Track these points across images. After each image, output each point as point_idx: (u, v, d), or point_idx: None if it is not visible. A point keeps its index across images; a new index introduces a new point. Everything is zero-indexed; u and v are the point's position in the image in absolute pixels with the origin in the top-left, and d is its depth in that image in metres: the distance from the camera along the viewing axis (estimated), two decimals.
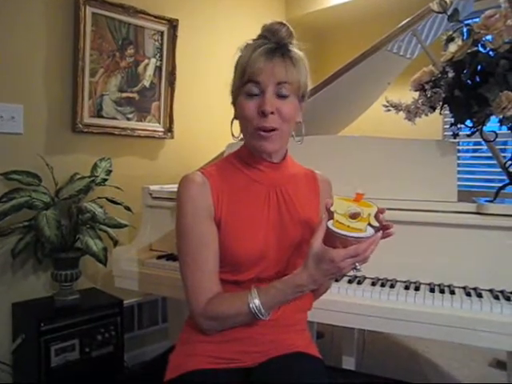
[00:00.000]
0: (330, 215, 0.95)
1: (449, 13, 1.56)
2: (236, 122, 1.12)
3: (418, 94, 1.73)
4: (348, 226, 0.92)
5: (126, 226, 2.14)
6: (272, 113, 1.02)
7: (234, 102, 1.11)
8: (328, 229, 0.94)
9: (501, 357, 2.45)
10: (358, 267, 0.94)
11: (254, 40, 1.07)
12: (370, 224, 0.93)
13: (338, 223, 0.93)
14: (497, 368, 2.45)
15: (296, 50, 1.07)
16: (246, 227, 1.08)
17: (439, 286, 1.38)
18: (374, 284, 1.41)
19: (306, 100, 1.13)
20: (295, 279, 0.98)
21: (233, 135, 1.14)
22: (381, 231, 0.95)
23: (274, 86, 1.03)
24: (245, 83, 1.04)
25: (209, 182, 1.08)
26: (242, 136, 1.13)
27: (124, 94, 2.40)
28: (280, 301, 1.01)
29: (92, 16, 2.20)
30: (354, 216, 0.93)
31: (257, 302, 0.99)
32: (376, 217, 0.94)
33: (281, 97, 1.04)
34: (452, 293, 1.32)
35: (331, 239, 0.94)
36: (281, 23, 1.05)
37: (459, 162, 2.76)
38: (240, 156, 1.15)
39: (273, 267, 1.08)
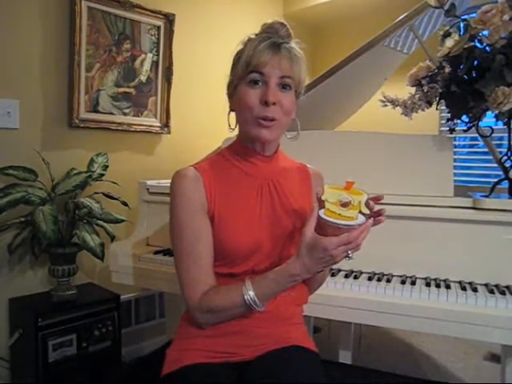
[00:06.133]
0: (321, 204, 0.95)
1: (446, 8, 1.56)
2: (232, 115, 1.13)
3: (414, 89, 1.74)
4: (339, 215, 0.92)
5: (122, 221, 2.14)
6: (274, 104, 1.03)
7: (231, 94, 1.12)
8: (319, 218, 0.94)
9: (495, 350, 2.47)
10: (351, 255, 0.95)
11: (256, 35, 1.08)
12: (360, 212, 0.94)
13: (330, 212, 0.93)
14: (491, 361, 2.47)
15: (298, 48, 1.08)
16: (239, 220, 1.08)
17: (435, 280, 1.39)
18: (370, 279, 1.41)
19: (301, 98, 1.14)
20: (289, 269, 0.98)
21: (229, 126, 1.14)
22: (372, 218, 0.96)
23: (278, 79, 1.04)
24: (248, 73, 1.05)
25: (201, 177, 1.09)
26: (237, 129, 1.13)
27: (120, 89, 2.39)
28: (274, 291, 1.02)
29: (88, 10, 2.19)
30: (345, 204, 0.93)
31: (251, 293, 0.99)
32: (366, 204, 0.95)
33: (283, 89, 1.05)
34: (448, 287, 1.33)
35: (323, 228, 0.95)
36: (281, 23, 1.07)
37: (455, 157, 2.77)
38: (233, 150, 1.16)
39: (267, 259, 1.09)
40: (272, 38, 1.05)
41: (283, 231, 1.11)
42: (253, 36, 1.08)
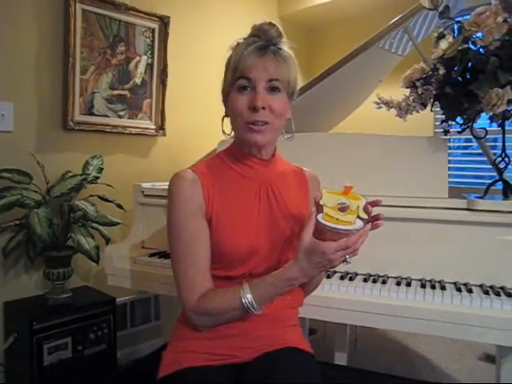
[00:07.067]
0: (319, 208, 0.95)
1: (440, 10, 1.56)
2: (227, 120, 1.13)
3: (409, 90, 1.75)
4: (337, 219, 0.92)
5: (117, 223, 2.13)
6: (263, 108, 1.03)
7: (225, 100, 1.12)
8: (317, 222, 0.94)
9: (490, 351, 2.48)
10: (348, 259, 0.95)
11: (244, 39, 1.08)
12: (358, 216, 0.94)
13: (328, 216, 0.93)
14: (486, 362, 2.48)
15: (286, 48, 1.08)
16: (237, 223, 1.08)
17: (430, 281, 1.40)
18: (365, 280, 1.42)
19: (295, 98, 1.14)
20: (286, 273, 0.98)
21: (224, 132, 1.15)
22: (370, 223, 0.96)
23: (265, 82, 1.04)
24: (236, 79, 1.05)
25: (200, 180, 1.09)
26: (233, 133, 1.13)
27: (115, 92, 2.39)
28: (272, 295, 1.01)
29: (82, 13, 2.18)
30: (343, 209, 0.93)
31: (249, 296, 0.99)
32: (365, 209, 0.95)
33: (272, 93, 1.05)
34: (443, 288, 1.33)
35: (321, 232, 0.95)
36: (270, 23, 1.07)
37: (450, 158, 2.78)
38: (230, 153, 1.16)
39: (264, 262, 1.09)
40: (257, 41, 1.05)
41: (281, 235, 1.11)
42: (241, 40, 1.08)
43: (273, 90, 1.05)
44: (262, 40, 1.05)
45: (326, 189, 0.97)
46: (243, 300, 0.99)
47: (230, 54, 1.09)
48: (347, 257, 0.95)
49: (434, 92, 1.62)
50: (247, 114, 1.04)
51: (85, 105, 2.27)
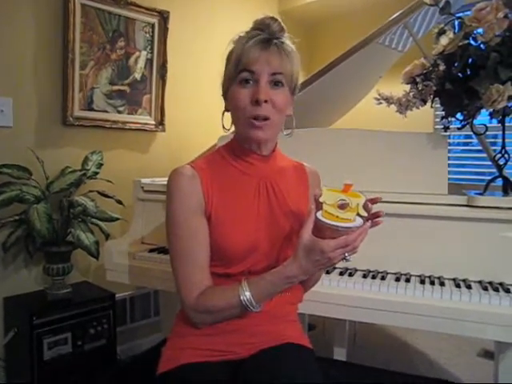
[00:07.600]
0: (319, 206, 0.95)
1: (440, 5, 1.56)
2: (227, 115, 1.12)
3: (409, 86, 1.74)
4: (337, 217, 0.92)
5: (117, 219, 2.13)
6: (265, 101, 1.02)
7: (225, 94, 1.11)
8: (317, 219, 0.94)
9: (489, 346, 2.49)
10: (348, 257, 0.95)
11: (246, 32, 1.07)
12: (358, 214, 0.93)
13: (327, 214, 0.93)
14: (485, 358, 2.49)
15: (289, 42, 1.07)
16: (236, 220, 1.08)
17: (429, 277, 1.40)
18: (365, 276, 1.42)
19: (297, 93, 1.13)
20: (285, 271, 0.98)
21: (223, 127, 1.14)
22: (369, 221, 0.96)
23: (268, 76, 1.03)
24: (239, 72, 1.04)
25: (199, 176, 1.08)
26: (232, 128, 1.13)
27: (115, 87, 2.38)
28: (271, 292, 1.01)
29: (81, 8, 2.18)
30: (343, 206, 0.93)
31: (248, 294, 0.99)
32: (364, 206, 0.94)
33: (274, 86, 1.04)
34: (442, 284, 1.33)
35: (320, 230, 0.94)
36: (272, 18, 1.05)
37: (450, 154, 2.78)
38: (230, 149, 1.15)
39: (264, 260, 1.08)
40: (261, 34, 1.04)
41: (280, 232, 1.10)
42: (242, 34, 1.07)
43: (276, 83, 1.04)
44: (265, 33, 1.04)
45: (325, 186, 0.96)
46: (242, 298, 0.99)
47: (232, 47, 1.07)
48: (346, 255, 0.94)
49: (434, 88, 1.62)
50: (249, 108, 1.03)
51: (84, 100, 2.26)
